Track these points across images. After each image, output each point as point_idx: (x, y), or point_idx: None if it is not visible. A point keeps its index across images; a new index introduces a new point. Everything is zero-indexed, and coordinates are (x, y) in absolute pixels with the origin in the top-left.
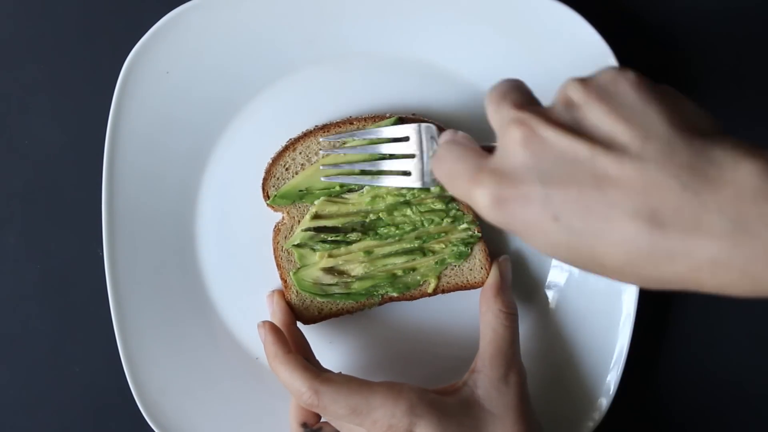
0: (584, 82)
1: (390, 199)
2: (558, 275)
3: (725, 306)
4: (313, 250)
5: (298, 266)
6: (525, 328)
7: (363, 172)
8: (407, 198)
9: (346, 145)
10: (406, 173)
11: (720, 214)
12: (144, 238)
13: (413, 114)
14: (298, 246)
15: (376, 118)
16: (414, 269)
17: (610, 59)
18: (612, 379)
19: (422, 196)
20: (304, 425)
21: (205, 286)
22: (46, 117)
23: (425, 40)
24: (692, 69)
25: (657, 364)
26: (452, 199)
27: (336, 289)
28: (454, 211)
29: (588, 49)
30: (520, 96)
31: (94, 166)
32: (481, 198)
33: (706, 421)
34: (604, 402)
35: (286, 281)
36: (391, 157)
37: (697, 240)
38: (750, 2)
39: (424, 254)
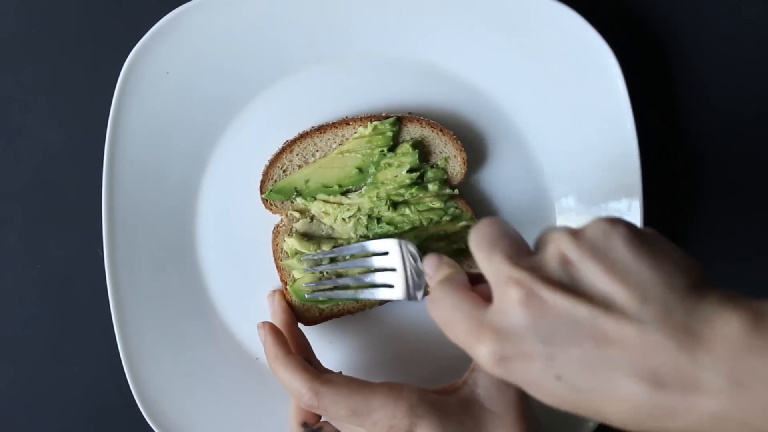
0: (577, 237)
1: (387, 200)
2: None
3: None
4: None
5: (294, 279)
6: None
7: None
8: (405, 197)
9: (330, 263)
10: (389, 285)
11: (715, 372)
12: (144, 238)
13: (409, 113)
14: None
15: (372, 117)
16: None
17: (610, 59)
18: None
19: (420, 195)
20: (305, 425)
21: (205, 286)
22: (46, 117)
23: (425, 40)
24: (692, 69)
25: None
26: (450, 197)
27: (334, 293)
28: (452, 209)
29: (588, 49)
30: (511, 245)
31: (94, 166)
32: (484, 355)
33: None
34: None
35: (286, 282)
36: (375, 270)
37: (696, 398)
38: (750, 2)
39: (424, 253)
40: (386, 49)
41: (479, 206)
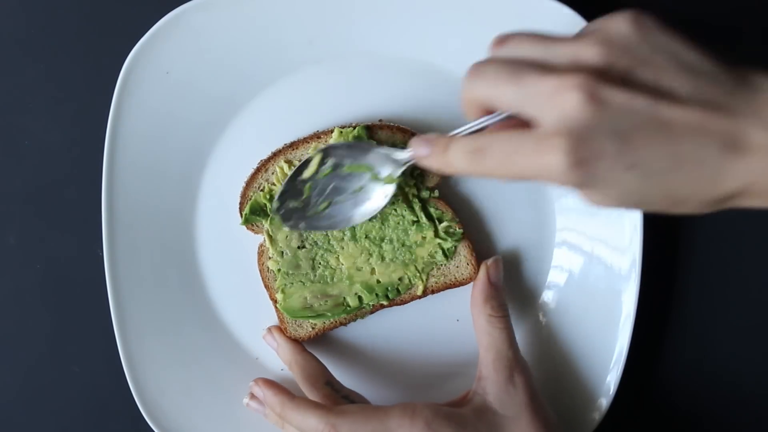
0: (609, 43)
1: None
2: (558, 275)
3: (725, 306)
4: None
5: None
6: (525, 328)
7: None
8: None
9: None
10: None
11: (764, 130)
12: (144, 239)
13: (380, 120)
14: (283, 274)
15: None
16: (401, 277)
17: None
18: (612, 379)
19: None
20: None
21: (205, 286)
22: (46, 117)
23: (425, 41)
24: None
25: (657, 364)
26: (423, 206)
27: (325, 307)
28: (432, 210)
29: None
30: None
31: (94, 166)
32: (557, 163)
33: (706, 421)
34: (604, 402)
35: (276, 301)
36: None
37: (753, 156)
38: (750, 2)
39: (412, 257)
40: (386, 49)
41: (479, 205)
